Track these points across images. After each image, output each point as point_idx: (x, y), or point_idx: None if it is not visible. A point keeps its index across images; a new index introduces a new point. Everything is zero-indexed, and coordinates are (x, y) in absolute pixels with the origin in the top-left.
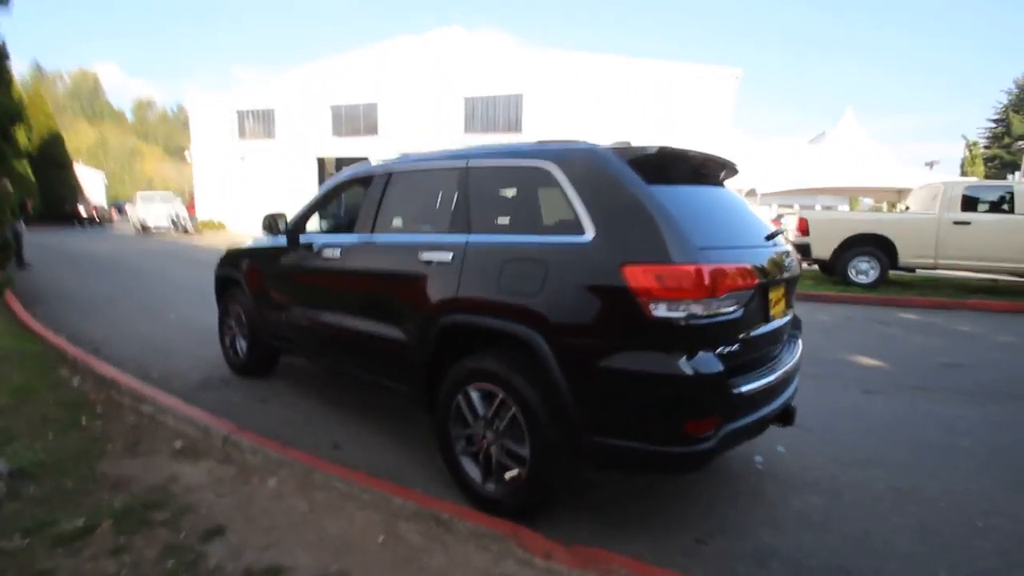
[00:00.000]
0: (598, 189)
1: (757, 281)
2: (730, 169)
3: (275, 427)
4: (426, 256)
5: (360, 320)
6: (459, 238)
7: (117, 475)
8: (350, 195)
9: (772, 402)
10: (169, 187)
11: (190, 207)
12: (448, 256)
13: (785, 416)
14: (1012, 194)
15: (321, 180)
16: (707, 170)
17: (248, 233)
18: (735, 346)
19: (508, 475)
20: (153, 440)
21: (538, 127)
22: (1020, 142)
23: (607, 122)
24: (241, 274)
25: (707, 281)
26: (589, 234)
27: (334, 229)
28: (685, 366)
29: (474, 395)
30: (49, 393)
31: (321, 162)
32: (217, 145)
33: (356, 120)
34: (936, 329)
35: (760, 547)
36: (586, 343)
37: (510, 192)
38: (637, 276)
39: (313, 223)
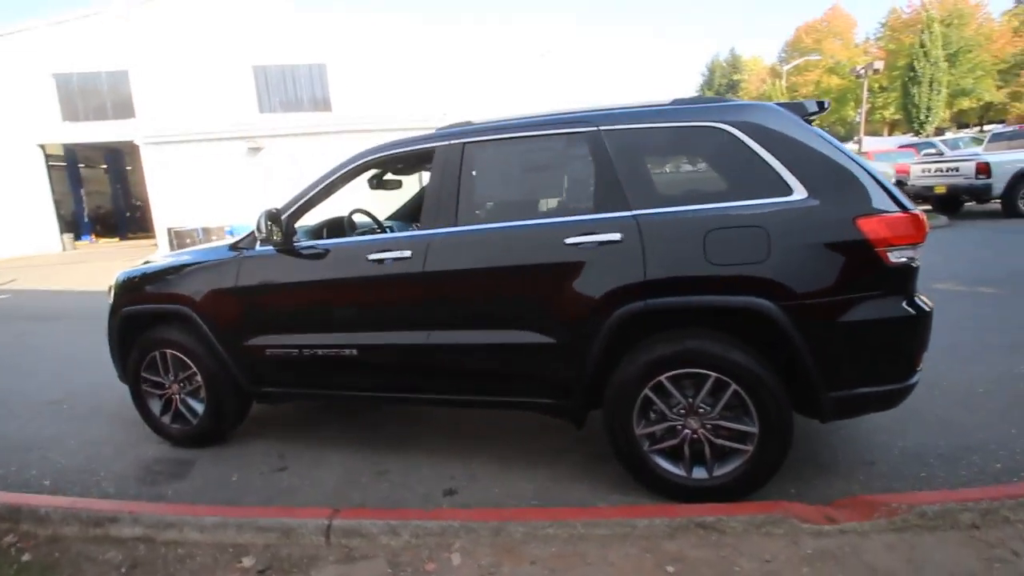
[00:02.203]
0: (793, 148)
1: None
2: None
3: (341, 494)
4: (576, 240)
5: (469, 333)
6: (622, 214)
7: None
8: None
9: None
10: None
11: None
12: (615, 236)
13: None
14: None
15: (50, 175)
16: None
17: None
18: None
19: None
20: (198, 572)
21: (350, 103)
22: None
23: (427, 93)
24: (189, 304)
25: (922, 225)
26: (800, 193)
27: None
28: (914, 305)
29: (667, 383)
30: None
31: (44, 151)
32: None
33: (98, 96)
34: None
35: (920, 450)
36: (826, 302)
37: (673, 157)
38: (875, 227)
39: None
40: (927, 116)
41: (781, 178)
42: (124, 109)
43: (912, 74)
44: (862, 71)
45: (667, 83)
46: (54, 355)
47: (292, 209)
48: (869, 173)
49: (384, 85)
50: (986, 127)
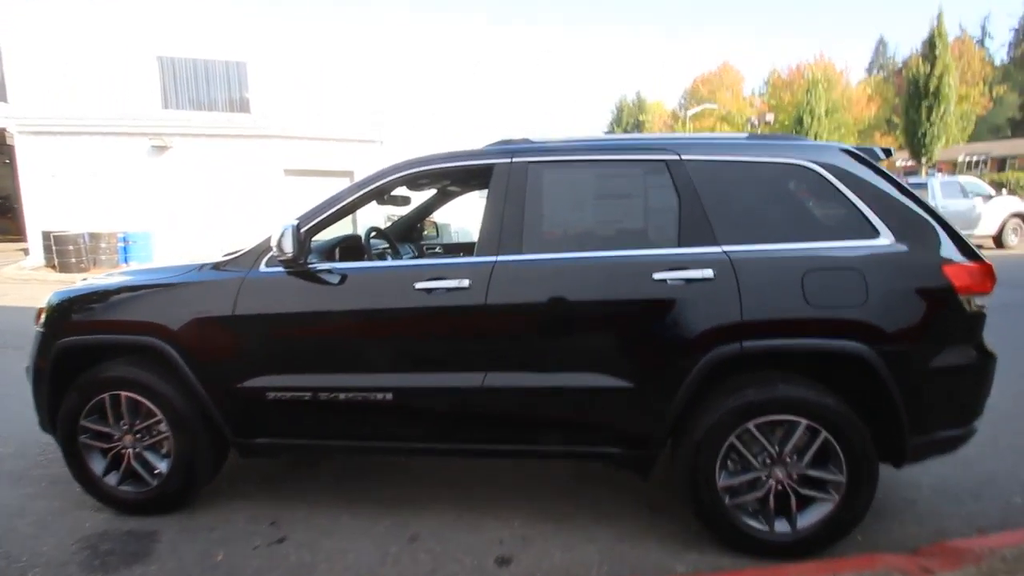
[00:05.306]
0: (874, 191)
1: None
2: None
3: (374, 572)
4: (664, 275)
5: (533, 376)
6: (711, 249)
7: None
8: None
9: None
10: None
11: None
12: (707, 273)
13: None
14: None
15: None
16: None
17: None
18: None
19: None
20: None
21: (273, 107)
22: None
23: (363, 102)
24: (161, 335)
25: (994, 275)
26: (887, 237)
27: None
28: (985, 351)
29: (755, 430)
30: None
31: None
32: None
33: None
34: None
35: (944, 486)
36: (916, 347)
37: (758, 193)
38: (959, 275)
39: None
40: None
41: (868, 221)
42: None
43: (800, 127)
44: (756, 121)
45: (579, 116)
46: None
47: (311, 224)
48: (940, 221)
49: (315, 91)
50: None
